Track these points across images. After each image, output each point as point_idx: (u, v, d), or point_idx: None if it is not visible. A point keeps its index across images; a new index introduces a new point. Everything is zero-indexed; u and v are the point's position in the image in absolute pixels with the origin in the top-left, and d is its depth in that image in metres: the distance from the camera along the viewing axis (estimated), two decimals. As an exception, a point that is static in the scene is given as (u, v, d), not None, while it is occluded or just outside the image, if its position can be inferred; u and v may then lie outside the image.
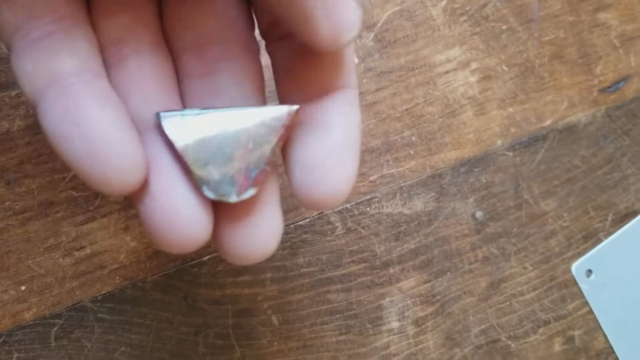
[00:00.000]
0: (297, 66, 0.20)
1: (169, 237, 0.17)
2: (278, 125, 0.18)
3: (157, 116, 0.18)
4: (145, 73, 0.19)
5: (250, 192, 0.18)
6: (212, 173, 0.18)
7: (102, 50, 0.19)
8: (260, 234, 0.18)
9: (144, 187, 0.17)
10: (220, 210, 0.18)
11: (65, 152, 0.16)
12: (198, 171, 0.17)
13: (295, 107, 0.18)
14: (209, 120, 0.18)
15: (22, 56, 0.17)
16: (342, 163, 0.18)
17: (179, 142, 0.18)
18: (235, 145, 0.18)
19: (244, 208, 0.18)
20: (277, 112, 0.18)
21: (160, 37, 0.20)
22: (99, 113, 0.17)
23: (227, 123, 0.18)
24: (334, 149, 0.18)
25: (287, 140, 0.19)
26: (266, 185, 0.19)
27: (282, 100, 0.20)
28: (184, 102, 0.20)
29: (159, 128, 0.18)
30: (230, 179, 0.18)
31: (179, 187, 0.18)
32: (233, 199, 0.18)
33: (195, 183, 0.17)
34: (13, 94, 0.28)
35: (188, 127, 0.18)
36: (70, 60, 0.17)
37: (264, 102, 0.21)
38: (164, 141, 0.18)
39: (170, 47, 0.20)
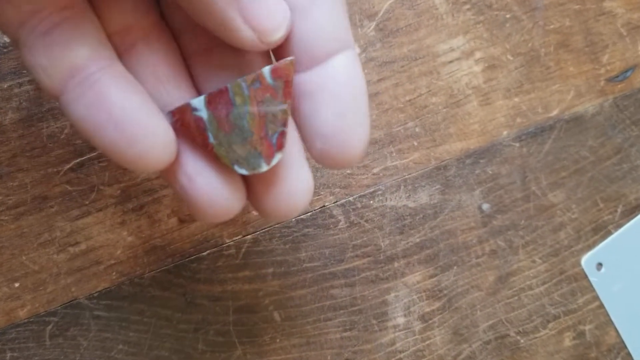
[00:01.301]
0: (295, 33, 0.19)
1: (209, 211, 0.19)
2: (279, 83, 0.18)
3: (169, 115, 0.18)
4: (155, 57, 0.20)
5: (278, 157, 0.18)
6: (238, 151, 0.18)
7: (109, 39, 0.19)
8: (294, 190, 0.20)
9: (178, 168, 0.19)
10: (252, 176, 0.19)
11: (99, 139, 0.17)
12: (225, 154, 0.18)
13: (290, 58, 0.18)
14: (216, 102, 0.18)
15: (35, 51, 0.18)
16: (356, 124, 0.19)
17: (199, 133, 0.18)
18: (248, 117, 0.18)
19: (274, 169, 0.19)
20: (274, 71, 0.18)
21: (161, 19, 0.20)
22: (126, 99, 0.17)
23: (232, 98, 0.18)
24: (346, 115, 0.19)
25: (292, 95, 0.19)
26: (288, 144, 0.20)
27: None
28: (195, 80, 0.20)
29: (174, 125, 0.18)
30: (255, 151, 0.18)
31: (211, 166, 0.19)
32: (264, 168, 0.18)
33: (226, 164, 0.18)
34: (5, 86, 0.27)
35: (201, 116, 0.18)
36: (85, 50, 0.18)
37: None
38: (182, 135, 0.19)
39: (170, 27, 0.21)
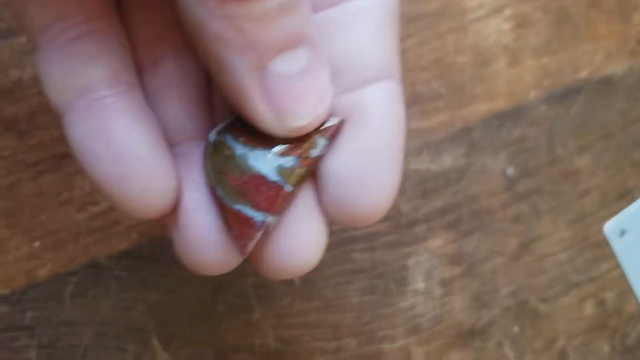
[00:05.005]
0: (328, 50, 0.17)
1: (201, 258, 0.16)
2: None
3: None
4: (182, 75, 0.18)
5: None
6: None
7: (136, 50, 0.17)
8: (299, 245, 0.17)
9: (177, 202, 0.16)
10: None
11: (93, 171, 0.16)
12: None
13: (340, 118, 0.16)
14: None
15: (50, 61, 0.16)
16: (383, 172, 0.16)
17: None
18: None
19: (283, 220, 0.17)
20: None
21: None
22: (130, 131, 0.16)
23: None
24: (372, 156, 0.16)
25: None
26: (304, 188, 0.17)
27: None
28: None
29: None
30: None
31: (213, 204, 0.16)
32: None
33: None
34: (23, 41, 0.26)
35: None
36: (103, 70, 0.16)
37: None
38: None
39: None
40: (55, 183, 0.26)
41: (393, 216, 0.29)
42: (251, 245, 0.16)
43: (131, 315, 0.26)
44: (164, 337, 0.26)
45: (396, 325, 0.29)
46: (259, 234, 0.16)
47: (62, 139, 0.26)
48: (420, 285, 0.29)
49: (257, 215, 0.16)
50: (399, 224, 0.29)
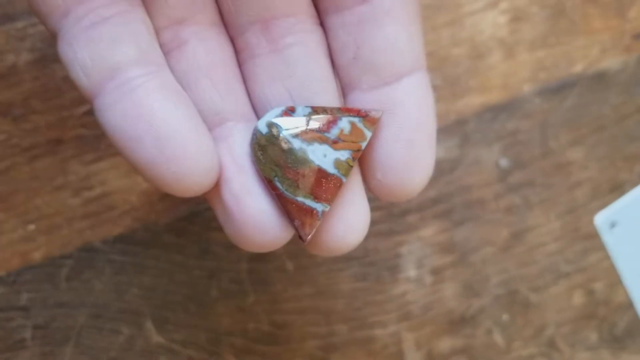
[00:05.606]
0: (363, 48, 0.18)
1: (254, 238, 0.17)
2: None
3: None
4: (209, 58, 0.18)
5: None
6: None
7: (158, 35, 0.17)
8: (348, 228, 0.18)
9: (223, 185, 0.17)
10: None
11: (133, 153, 0.16)
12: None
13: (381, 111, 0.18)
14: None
15: (76, 45, 0.16)
16: (423, 157, 0.18)
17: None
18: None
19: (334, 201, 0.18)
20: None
21: (219, 16, 0.18)
22: (171, 111, 0.16)
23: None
24: (415, 143, 0.17)
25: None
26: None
27: (345, 89, 0.19)
28: (251, 86, 0.19)
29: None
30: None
31: (260, 186, 0.17)
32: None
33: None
34: (19, 26, 0.26)
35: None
36: (131, 51, 0.16)
37: (334, 80, 0.19)
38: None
39: (230, 24, 0.19)
40: (50, 168, 0.26)
41: (386, 205, 0.29)
42: (312, 233, 0.17)
43: (125, 298, 0.27)
44: (158, 320, 0.27)
45: (388, 312, 0.29)
46: (319, 223, 0.17)
47: (57, 124, 0.26)
48: (412, 273, 0.29)
49: (319, 206, 0.17)
50: (391, 213, 0.29)
